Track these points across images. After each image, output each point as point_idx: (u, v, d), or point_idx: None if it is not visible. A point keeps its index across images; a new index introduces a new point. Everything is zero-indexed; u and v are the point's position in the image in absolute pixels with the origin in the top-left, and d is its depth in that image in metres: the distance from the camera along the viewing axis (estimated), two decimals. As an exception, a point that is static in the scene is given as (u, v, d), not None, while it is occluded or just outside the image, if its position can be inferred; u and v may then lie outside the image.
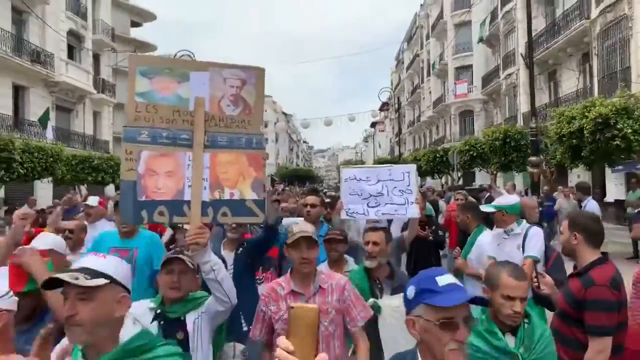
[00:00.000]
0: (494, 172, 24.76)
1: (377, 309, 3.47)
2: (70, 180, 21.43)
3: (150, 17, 44.69)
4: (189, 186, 2.74)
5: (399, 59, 74.48)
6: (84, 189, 19.09)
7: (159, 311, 2.89)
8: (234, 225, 4.50)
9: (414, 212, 4.92)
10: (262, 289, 3.06)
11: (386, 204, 4.92)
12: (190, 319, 2.88)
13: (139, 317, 2.80)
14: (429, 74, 51.00)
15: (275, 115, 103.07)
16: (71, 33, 29.14)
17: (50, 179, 19.48)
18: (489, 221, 5.23)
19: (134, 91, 2.82)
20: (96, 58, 33.27)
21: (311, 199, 5.51)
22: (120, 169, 2.75)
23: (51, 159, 17.03)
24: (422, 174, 34.24)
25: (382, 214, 4.98)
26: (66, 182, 21.26)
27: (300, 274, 3.15)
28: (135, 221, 2.81)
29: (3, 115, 22.90)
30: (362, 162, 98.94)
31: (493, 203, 4.99)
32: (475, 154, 25.91)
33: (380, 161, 55.69)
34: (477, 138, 28.55)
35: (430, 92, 51.02)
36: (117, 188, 27.97)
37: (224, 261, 4.23)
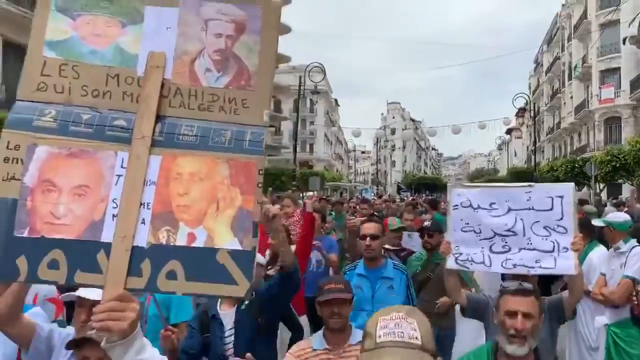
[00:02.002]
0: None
1: None
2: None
3: (285, 30, 47.32)
4: (113, 216, 1.61)
5: (538, 62, 70.54)
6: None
7: None
8: None
9: (569, 266, 3.10)
10: None
11: (521, 249, 3.22)
12: None
13: None
14: (570, 78, 47.88)
15: (404, 122, 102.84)
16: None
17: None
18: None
19: (42, 39, 1.76)
20: (237, 71, 36.01)
21: (371, 227, 4.05)
22: None
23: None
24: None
25: (514, 265, 3.21)
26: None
27: None
28: (4, 276, 1.63)
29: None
30: (496, 172, 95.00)
31: (603, 218, 5.02)
32: (618, 165, 23.92)
33: (515, 171, 53.09)
34: (621, 147, 26.30)
35: (571, 97, 47.83)
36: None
37: (220, 323, 3.21)
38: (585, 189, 32.87)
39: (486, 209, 3.35)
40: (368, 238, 3.94)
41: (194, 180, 1.67)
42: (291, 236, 5.17)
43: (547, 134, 60.05)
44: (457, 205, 3.44)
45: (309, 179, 30.31)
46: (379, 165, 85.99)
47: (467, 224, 3.37)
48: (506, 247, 3.27)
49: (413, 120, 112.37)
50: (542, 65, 65.63)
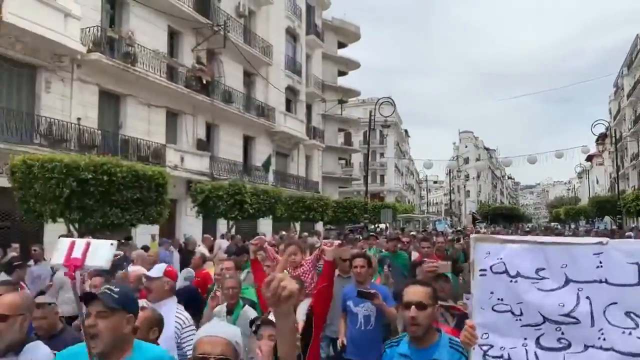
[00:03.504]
0: None
1: None
2: (286, 218, 24.31)
3: (354, 65, 48.50)
4: None
5: (618, 86, 67.40)
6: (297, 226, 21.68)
7: None
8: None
9: None
10: None
11: (588, 347, 2.08)
12: None
13: None
14: (654, 101, 45.41)
15: (477, 150, 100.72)
16: (289, 88, 33.33)
17: (271, 216, 22.43)
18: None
19: None
20: (308, 108, 37.29)
21: (418, 292, 2.93)
22: None
23: (273, 200, 19.81)
24: (645, 214, 30.42)
25: None
26: (283, 219, 24.17)
27: None
28: None
29: (236, 162, 27.17)
30: (577, 201, 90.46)
31: None
32: None
33: (597, 200, 50.57)
34: None
35: (657, 122, 45.27)
36: (325, 224, 30.71)
37: None
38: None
39: (531, 278, 2.17)
40: (413, 307, 2.81)
41: None
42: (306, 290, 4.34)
43: (631, 160, 56.81)
44: (484, 270, 2.26)
45: (380, 211, 30.50)
46: (452, 196, 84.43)
47: (501, 300, 2.21)
48: (564, 341, 2.11)
49: (487, 149, 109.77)
50: (622, 89, 62.67)
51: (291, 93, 34.00)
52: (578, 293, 2.09)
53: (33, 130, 15.96)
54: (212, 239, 14.25)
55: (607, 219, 40.72)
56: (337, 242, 4.57)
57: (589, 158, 74.52)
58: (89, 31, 18.10)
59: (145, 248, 11.49)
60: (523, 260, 2.19)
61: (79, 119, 17.64)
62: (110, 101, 20.04)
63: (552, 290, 2.13)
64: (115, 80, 19.48)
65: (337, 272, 5.26)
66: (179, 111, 23.59)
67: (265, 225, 26.13)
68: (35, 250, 9.12)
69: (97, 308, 2.26)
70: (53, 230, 13.03)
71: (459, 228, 39.52)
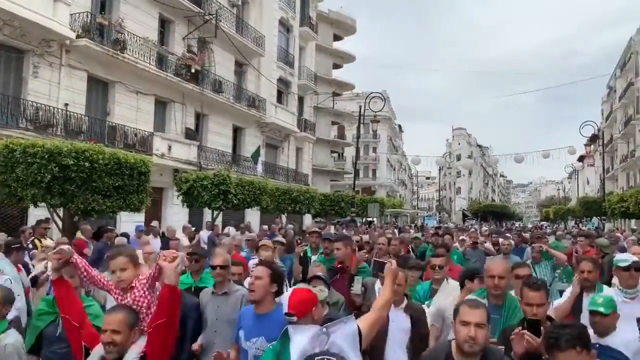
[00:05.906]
0: None
1: None
2: (273, 210, 24.44)
3: (350, 58, 48.52)
4: None
5: (611, 88, 67.76)
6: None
7: None
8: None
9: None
10: None
11: None
12: None
13: None
14: (645, 105, 45.72)
15: (470, 148, 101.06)
16: (280, 80, 33.37)
17: (257, 207, 22.55)
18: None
19: None
20: (300, 100, 37.34)
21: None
22: None
23: (258, 192, 19.93)
24: (629, 216, 30.58)
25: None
26: (270, 210, 24.30)
27: None
28: None
29: (225, 152, 27.23)
30: (567, 201, 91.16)
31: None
32: (692, 197, 22.75)
33: (586, 200, 51.00)
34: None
35: (646, 125, 45.60)
36: (314, 217, 30.84)
37: None
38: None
39: None
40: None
41: None
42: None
43: (621, 162, 57.31)
44: None
45: (368, 205, 30.66)
46: (443, 192, 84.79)
47: None
48: None
49: (480, 147, 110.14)
50: (615, 91, 63.04)
51: (283, 84, 34.05)
52: None
53: (19, 114, 15.99)
54: (192, 228, 14.33)
55: (595, 219, 41.06)
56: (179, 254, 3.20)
57: (581, 158, 74.98)
58: (78, 17, 18.09)
59: (126, 235, 11.62)
60: None
61: (66, 104, 17.67)
62: (98, 88, 20.05)
63: None
64: (104, 67, 19.49)
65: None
66: (168, 100, 23.61)
67: (252, 216, 26.26)
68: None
69: None
70: (37, 215, 13.13)
71: (446, 225, 39.75)
